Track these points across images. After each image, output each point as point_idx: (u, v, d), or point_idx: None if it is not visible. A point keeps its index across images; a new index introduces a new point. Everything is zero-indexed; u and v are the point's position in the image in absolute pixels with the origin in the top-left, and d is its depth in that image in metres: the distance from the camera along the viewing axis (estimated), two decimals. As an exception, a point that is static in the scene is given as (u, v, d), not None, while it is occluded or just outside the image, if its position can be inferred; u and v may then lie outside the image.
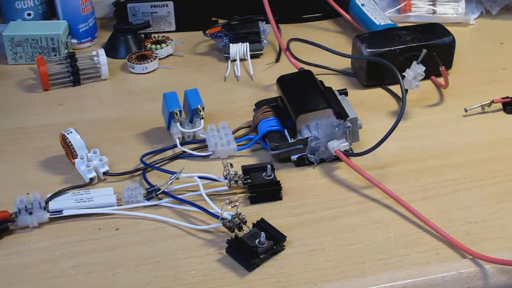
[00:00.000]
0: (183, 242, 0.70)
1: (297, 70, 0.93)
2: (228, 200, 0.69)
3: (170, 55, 1.05)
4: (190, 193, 0.75)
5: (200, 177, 0.76)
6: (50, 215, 0.73)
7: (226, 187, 0.76)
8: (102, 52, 0.98)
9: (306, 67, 0.96)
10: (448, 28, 0.98)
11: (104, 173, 0.79)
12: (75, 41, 1.05)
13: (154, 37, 1.06)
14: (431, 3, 1.12)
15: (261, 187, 0.75)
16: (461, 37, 1.00)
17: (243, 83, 0.98)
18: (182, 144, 0.83)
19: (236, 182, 0.75)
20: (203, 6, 1.10)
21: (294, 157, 0.80)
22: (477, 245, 0.68)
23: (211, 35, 1.05)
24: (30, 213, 0.72)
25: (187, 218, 0.73)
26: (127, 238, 0.71)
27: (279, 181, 0.76)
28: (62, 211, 0.73)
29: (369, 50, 0.93)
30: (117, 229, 0.72)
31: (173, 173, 0.76)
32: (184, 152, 0.82)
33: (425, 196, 0.75)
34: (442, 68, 0.90)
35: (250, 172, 0.77)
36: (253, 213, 0.73)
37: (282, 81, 0.87)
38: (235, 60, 1.03)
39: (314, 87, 0.84)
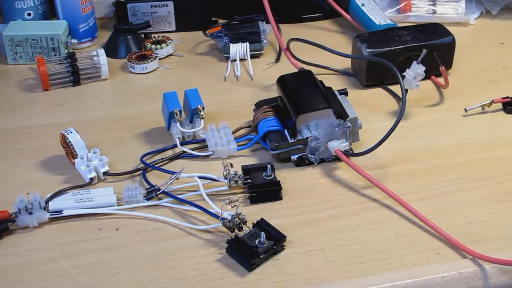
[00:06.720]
0: (183, 242, 0.70)
1: (297, 70, 0.93)
2: (228, 200, 0.69)
3: (170, 55, 1.05)
4: (190, 193, 0.75)
5: (200, 177, 0.76)
6: (50, 215, 0.73)
7: (226, 187, 0.76)
8: (102, 52, 0.98)
9: (306, 67, 0.96)
10: (448, 28, 0.98)
11: (104, 173, 0.79)
12: (75, 41, 1.05)
13: (154, 37, 1.06)
14: (431, 3, 1.12)
15: (261, 187, 0.75)
16: (461, 37, 1.00)
17: (243, 83, 0.98)
18: (182, 144, 0.83)
19: (236, 182, 0.75)
20: (203, 6, 1.10)
21: (294, 157, 0.80)
22: (477, 245, 0.68)
23: (211, 35, 1.05)
24: (30, 213, 0.72)
25: (187, 218, 0.73)
26: (127, 238, 0.71)
27: (279, 181, 0.76)
28: (62, 211, 0.73)
29: (369, 50, 0.93)
30: (117, 229, 0.72)
31: (173, 173, 0.76)
32: (184, 152, 0.82)
33: (425, 196, 0.75)
34: (442, 68, 0.90)
35: (250, 172, 0.77)
36: (253, 213, 0.73)
37: (282, 81, 0.87)
38: (235, 60, 1.03)
39: (314, 87, 0.84)
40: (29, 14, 1.06)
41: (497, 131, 0.86)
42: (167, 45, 1.04)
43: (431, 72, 0.94)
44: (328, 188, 0.77)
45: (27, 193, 0.76)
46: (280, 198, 0.75)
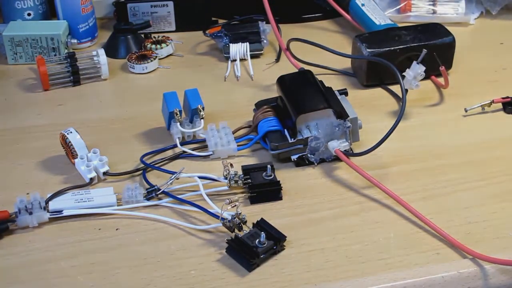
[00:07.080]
0: (183, 242, 0.70)
1: (297, 70, 0.93)
2: (228, 200, 0.69)
3: (170, 55, 1.05)
4: (190, 193, 0.75)
5: (200, 177, 0.76)
6: (50, 215, 0.73)
7: (226, 187, 0.76)
8: (102, 52, 0.98)
9: (306, 67, 0.96)
10: (448, 28, 0.98)
11: (104, 173, 0.79)
12: (75, 41, 1.05)
13: (154, 37, 1.06)
14: (431, 3, 1.12)
15: (261, 187, 0.75)
16: (461, 37, 1.00)
17: (243, 83, 0.98)
18: (182, 144, 0.83)
19: (236, 182, 0.75)
20: (203, 6, 1.10)
21: (294, 157, 0.80)
22: (477, 245, 0.68)
23: (211, 35, 1.05)
24: (30, 213, 0.72)
25: (187, 218, 0.73)
26: (127, 238, 0.71)
27: (279, 181, 0.76)
28: (62, 211, 0.73)
29: (369, 50, 0.93)
30: (117, 229, 0.72)
31: (173, 173, 0.76)
32: (184, 152, 0.82)
33: (425, 196, 0.75)
34: (442, 68, 0.90)
35: (250, 172, 0.77)
36: (253, 213, 0.73)
37: (282, 81, 0.87)
38: (235, 60, 1.03)
39: (314, 87, 0.84)
40: (29, 14, 1.06)
41: (497, 131, 0.86)
42: (167, 45, 1.04)
43: (431, 72, 0.94)
44: (328, 188, 0.77)
45: (27, 193, 0.76)
46: (280, 198, 0.75)
